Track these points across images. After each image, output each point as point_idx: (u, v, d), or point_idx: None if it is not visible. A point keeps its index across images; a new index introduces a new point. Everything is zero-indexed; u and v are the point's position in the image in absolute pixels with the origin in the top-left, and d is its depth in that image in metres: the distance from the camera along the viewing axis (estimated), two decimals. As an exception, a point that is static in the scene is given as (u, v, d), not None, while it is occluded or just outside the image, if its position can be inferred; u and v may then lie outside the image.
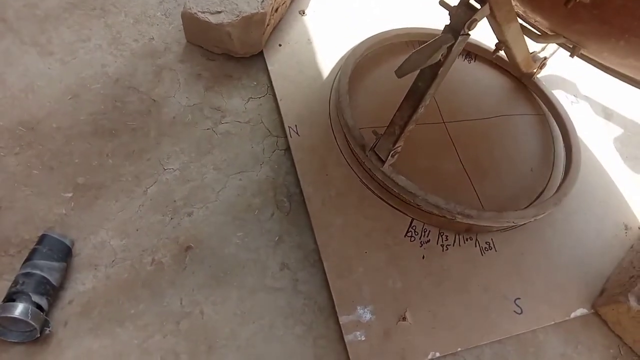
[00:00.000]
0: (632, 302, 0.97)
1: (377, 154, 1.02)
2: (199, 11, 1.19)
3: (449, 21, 0.81)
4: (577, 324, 1.03)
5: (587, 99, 1.47)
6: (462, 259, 1.04)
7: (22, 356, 0.82)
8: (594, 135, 1.37)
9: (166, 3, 1.37)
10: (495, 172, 1.18)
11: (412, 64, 0.80)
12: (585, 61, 1.08)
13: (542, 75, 1.38)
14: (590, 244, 1.14)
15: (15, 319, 0.78)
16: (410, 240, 1.04)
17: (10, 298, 0.80)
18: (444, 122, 1.22)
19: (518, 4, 0.97)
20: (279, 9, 1.31)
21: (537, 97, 1.36)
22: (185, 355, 0.86)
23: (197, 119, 1.16)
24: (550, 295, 1.04)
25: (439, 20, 1.04)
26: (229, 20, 1.17)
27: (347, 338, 0.91)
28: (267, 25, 1.25)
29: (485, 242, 1.08)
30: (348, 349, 0.90)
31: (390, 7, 1.49)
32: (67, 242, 0.90)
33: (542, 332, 1.01)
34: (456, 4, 0.81)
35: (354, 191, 1.08)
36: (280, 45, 1.32)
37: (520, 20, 1.04)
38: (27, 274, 0.83)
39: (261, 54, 1.30)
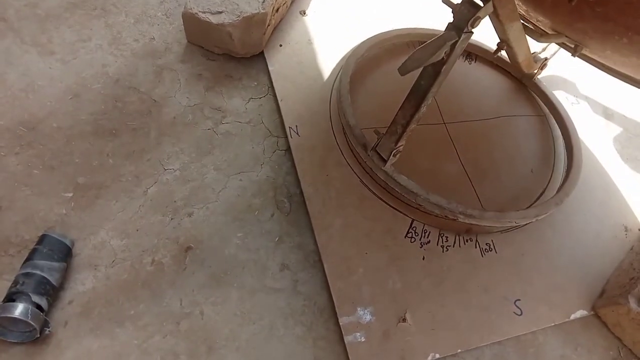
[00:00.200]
0: (632, 303, 0.96)
1: (378, 154, 1.02)
2: (199, 11, 1.19)
3: (452, 19, 0.81)
4: (577, 325, 1.03)
5: (587, 99, 1.47)
6: (462, 260, 1.04)
7: (22, 356, 0.82)
8: (594, 136, 1.37)
9: (167, 3, 1.37)
10: (495, 173, 1.17)
11: (415, 61, 0.80)
12: (586, 61, 1.08)
13: (542, 76, 1.37)
14: (590, 246, 1.14)
15: (15, 319, 0.78)
16: (411, 241, 1.04)
17: (10, 298, 0.80)
18: (444, 123, 1.22)
19: (520, 4, 0.97)
20: (280, 9, 1.31)
21: (537, 98, 1.36)
22: (185, 355, 0.86)
23: (198, 119, 1.16)
24: (550, 297, 1.04)
25: (440, 20, 1.04)
26: (230, 21, 1.17)
27: (347, 339, 0.91)
28: (268, 25, 1.25)
29: (486, 243, 1.08)
30: (348, 350, 0.90)
31: (390, 7, 1.49)
32: (67, 242, 0.90)
33: (541, 334, 1.00)
34: (459, 2, 0.80)
35: (354, 192, 1.08)
36: (280, 45, 1.32)
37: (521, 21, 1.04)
38: (27, 274, 0.83)
39: (262, 54, 1.30)
